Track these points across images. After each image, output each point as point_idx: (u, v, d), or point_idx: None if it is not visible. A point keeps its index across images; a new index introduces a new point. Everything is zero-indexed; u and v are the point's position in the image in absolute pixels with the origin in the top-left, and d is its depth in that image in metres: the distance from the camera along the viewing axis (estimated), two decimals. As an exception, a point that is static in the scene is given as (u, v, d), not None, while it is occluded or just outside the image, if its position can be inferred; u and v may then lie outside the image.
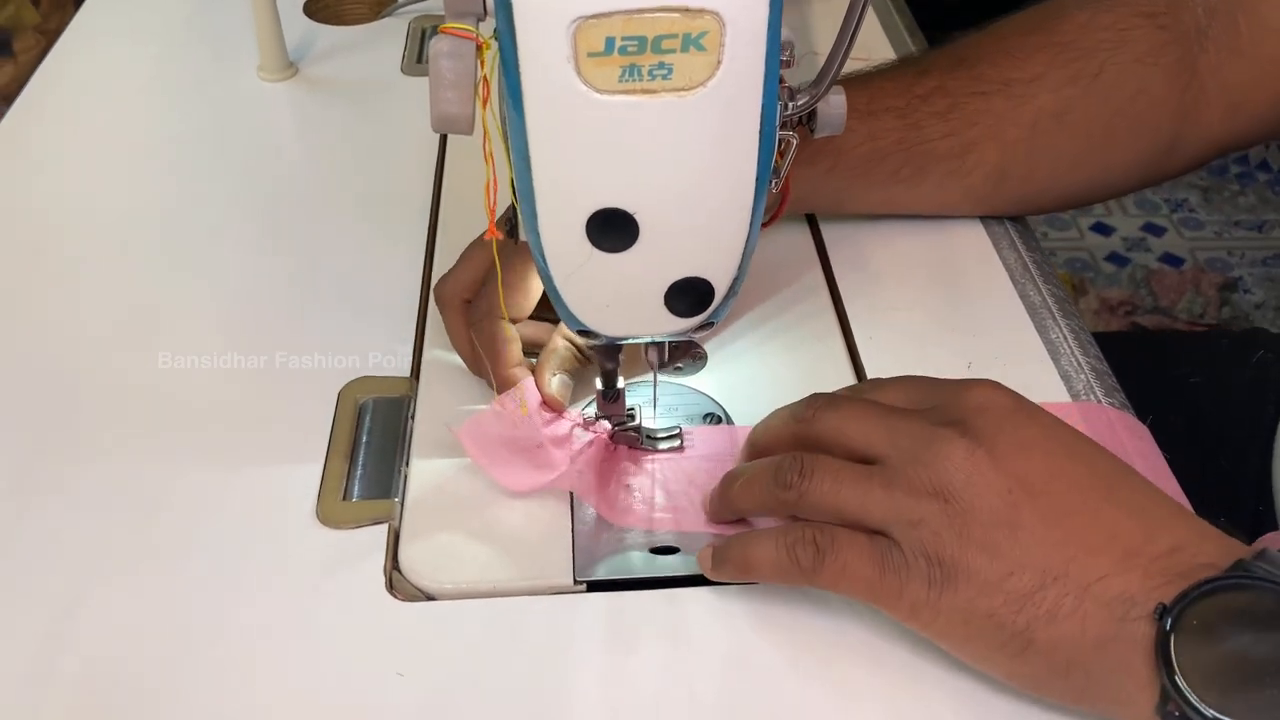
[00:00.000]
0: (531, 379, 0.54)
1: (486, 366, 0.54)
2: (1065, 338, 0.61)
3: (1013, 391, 0.47)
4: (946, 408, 0.46)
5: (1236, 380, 0.76)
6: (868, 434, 0.46)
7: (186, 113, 0.83)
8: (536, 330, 0.56)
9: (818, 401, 0.49)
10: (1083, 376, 0.59)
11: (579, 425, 0.55)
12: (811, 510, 0.46)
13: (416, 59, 0.87)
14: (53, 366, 0.61)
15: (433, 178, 0.75)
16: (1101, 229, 2.09)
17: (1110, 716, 0.43)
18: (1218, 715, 0.38)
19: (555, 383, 0.54)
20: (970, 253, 0.67)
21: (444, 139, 0.78)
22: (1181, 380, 0.77)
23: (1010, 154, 0.65)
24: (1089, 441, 0.46)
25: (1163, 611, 0.40)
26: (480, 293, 0.55)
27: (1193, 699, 0.39)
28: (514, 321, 0.55)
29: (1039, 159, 0.65)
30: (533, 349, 0.56)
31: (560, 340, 0.55)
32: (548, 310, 0.52)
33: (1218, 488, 0.63)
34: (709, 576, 0.49)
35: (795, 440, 0.49)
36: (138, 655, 0.47)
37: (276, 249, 0.69)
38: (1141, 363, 0.67)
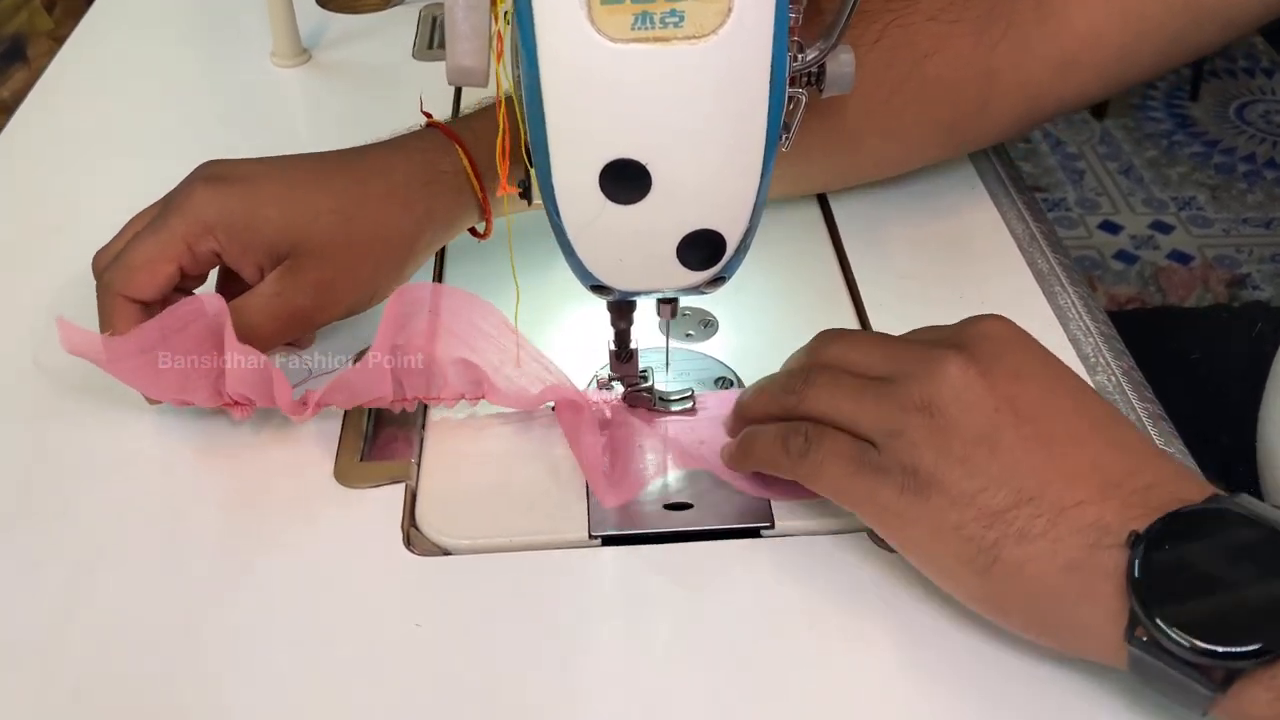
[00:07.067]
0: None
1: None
2: (1074, 303, 0.62)
3: (1019, 326, 0.47)
4: (952, 335, 0.47)
5: (1236, 354, 0.76)
6: (871, 355, 0.48)
7: (199, 97, 0.84)
8: None
9: (828, 334, 0.51)
10: (1091, 340, 0.60)
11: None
12: (809, 413, 0.48)
13: (428, 45, 0.88)
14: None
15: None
16: (1110, 227, 2.10)
17: (1076, 650, 0.43)
18: (1187, 641, 0.38)
19: None
20: (977, 223, 0.68)
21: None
22: (1183, 355, 0.78)
23: None
24: (1084, 383, 0.47)
25: (1136, 539, 0.40)
26: (111, 264, 0.54)
27: (1163, 624, 0.39)
28: (136, 301, 0.53)
29: (812, 137, 0.58)
30: None
31: None
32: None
33: (1218, 462, 0.63)
34: (726, 464, 0.51)
35: (806, 368, 0.50)
36: (158, 611, 0.48)
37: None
38: (1143, 338, 0.67)
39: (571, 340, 0.60)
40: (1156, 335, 0.80)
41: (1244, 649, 0.38)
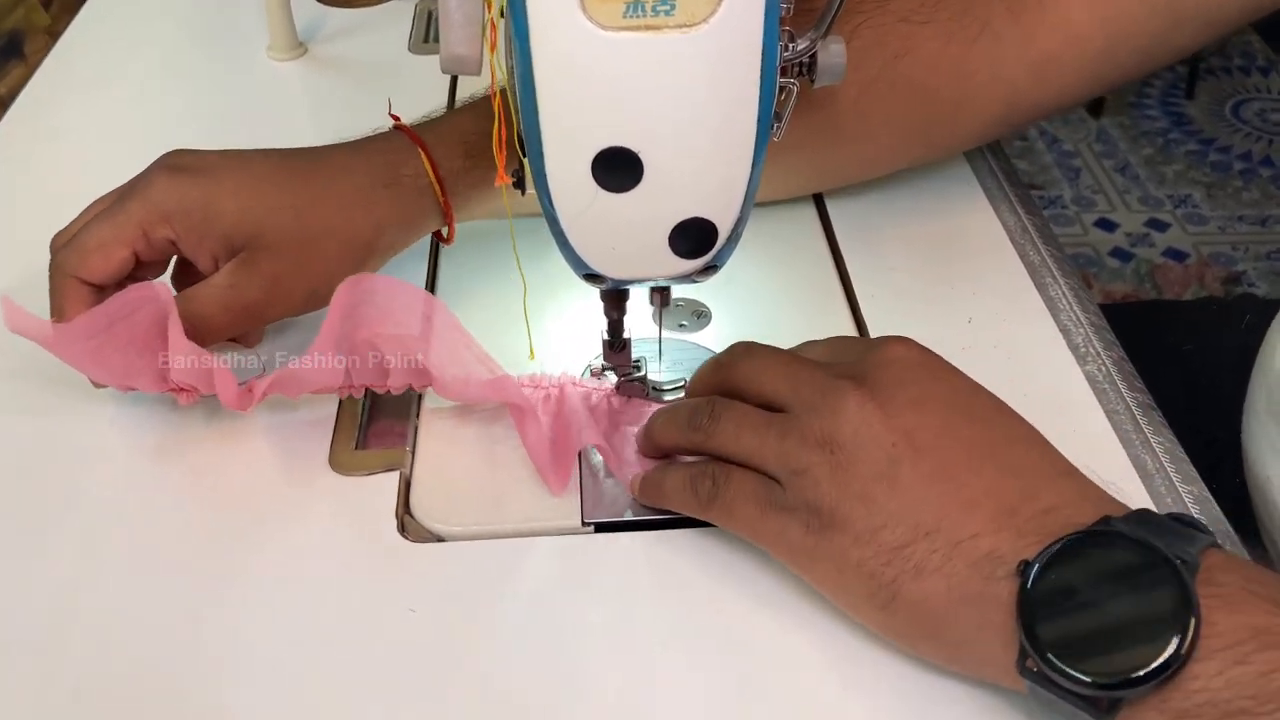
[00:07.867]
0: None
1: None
2: (1064, 294, 0.62)
3: (925, 349, 0.47)
4: (855, 362, 0.47)
5: (1226, 346, 0.76)
6: (775, 383, 0.48)
7: (196, 92, 0.84)
8: None
9: (738, 350, 0.50)
10: (1081, 331, 0.60)
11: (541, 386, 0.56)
12: (717, 451, 0.48)
13: (424, 38, 0.89)
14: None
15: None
16: (1105, 224, 2.10)
17: (981, 676, 0.43)
18: (1074, 672, 0.38)
19: None
20: (970, 216, 0.68)
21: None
22: (1174, 347, 0.78)
23: None
24: (993, 402, 0.46)
25: (1024, 567, 0.40)
26: (65, 245, 0.54)
27: (1050, 655, 0.38)
28: (89, 284, 0.53)
29: (796, 134, 0.55)
30: None
31: None
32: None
33: (1209, 454, 0.63)
34: (637, 498, 0.51)
35: (717, 386, 0.50)
36: (153, 602, 0.48)
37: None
38: (1135, 330, 0.66)
39: (565, 330, 0.60)
40: (1149, 328, 0.80)
41: (1124, 678, 0.37)
